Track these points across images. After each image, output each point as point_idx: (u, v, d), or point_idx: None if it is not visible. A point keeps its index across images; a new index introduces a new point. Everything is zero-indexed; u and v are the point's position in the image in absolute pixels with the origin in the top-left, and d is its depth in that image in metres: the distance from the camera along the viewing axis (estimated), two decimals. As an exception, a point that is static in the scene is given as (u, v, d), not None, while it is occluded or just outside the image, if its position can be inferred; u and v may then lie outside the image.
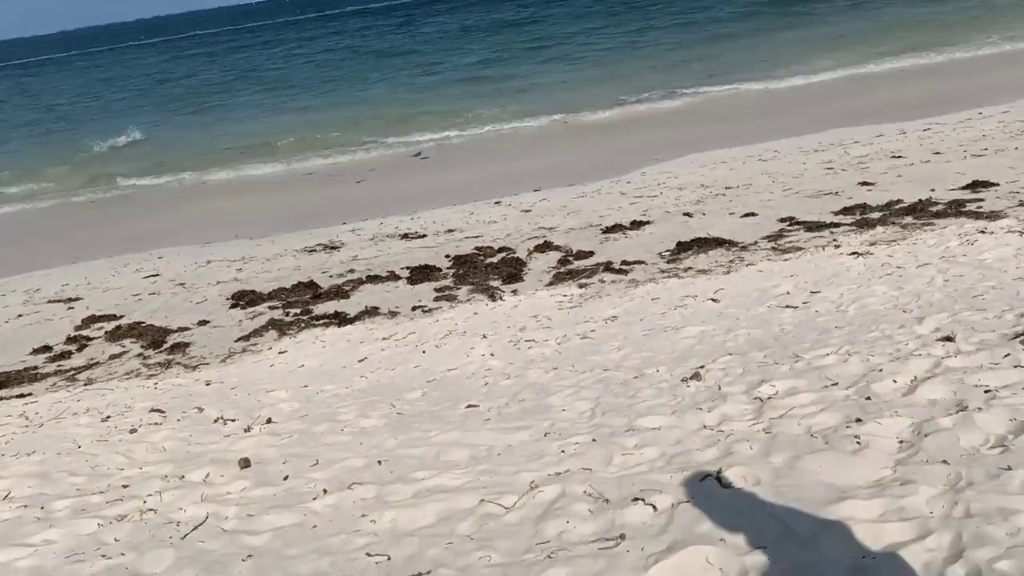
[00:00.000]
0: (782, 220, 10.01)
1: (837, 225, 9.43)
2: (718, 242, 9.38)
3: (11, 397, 7.05)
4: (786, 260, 8.29)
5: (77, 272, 12.58)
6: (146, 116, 34.35)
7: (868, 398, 4.20)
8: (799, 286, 7.17)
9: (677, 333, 6.35)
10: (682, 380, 5.14)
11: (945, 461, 3.30)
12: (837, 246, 8.52)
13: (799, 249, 8.68)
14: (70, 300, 10.68)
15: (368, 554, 3.42)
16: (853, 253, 7.99)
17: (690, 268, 8.59)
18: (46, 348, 8.63)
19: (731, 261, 8.65)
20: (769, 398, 4.57)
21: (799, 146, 14.73)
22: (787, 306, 6.59)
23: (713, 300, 7.20)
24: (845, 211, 9.97)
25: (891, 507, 3.06)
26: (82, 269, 12.80)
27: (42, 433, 5.74)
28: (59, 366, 8.04)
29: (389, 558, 3.38)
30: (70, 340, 8.83)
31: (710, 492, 3.59)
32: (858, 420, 3.93)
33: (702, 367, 5.33)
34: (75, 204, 20.57)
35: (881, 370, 4.51)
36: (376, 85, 34.26)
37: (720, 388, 4.87)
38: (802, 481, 3.54)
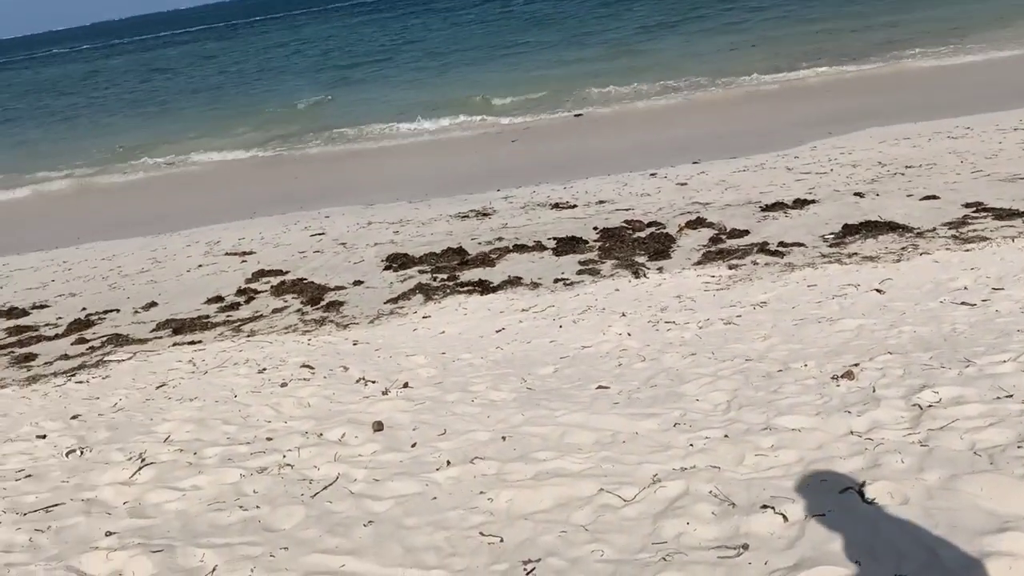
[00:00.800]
0: (967, 205, 9.02)
1: (1034, 213, 8.38)
2: (890, 226, 8.60)
3: (184, 344, 7.74)
4: (967, 251, 7.47)
5: (254, 227, 13.56)
6: (324, 79, 36.22)
7: (1050, 416, 3.72)
8: (979, 281, 6.44)
9: (832, 325, 5.89)
10: (832, 378, 4.77)
11: None
12: (1031, 237, 7.58)
13: (984, 239, 7.79)
14: (244, 254, 11.54)
15: (482, 533, 3.45)
16: (1051, 246, 7.08)
17: (855, 254, 7.94)
18: (219, 298, 9.39)
19: (903, 248, 7.91)
20: (930, 406, 4.15)
21: (996, 123, 13.18)
22: (963, 303, 5.94)
23: (878, 291, 6.62)
24: (1045, 197, 8.83)
25: (1062, 549, 2.68)
26: (258, 224, 13.78)
27: (205, 380, 6.26)
28: (228, 316, 8.72)
29: (502, 540, 3.38)
30: (240, 292, 9.55)
31: (850, 507, 3.31)
32: (1032, 440, 3.49)
33: (856, 365, 4.91)
34: (260, 160, 22.14)
35: (1069, 385, 3.97)
36: (533, 49, 34.09)
37: (875, 390, 4.48)
38: (958, 504, 3.18)
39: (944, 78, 19.15)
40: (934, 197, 9.48)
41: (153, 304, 9.59)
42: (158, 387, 6.26)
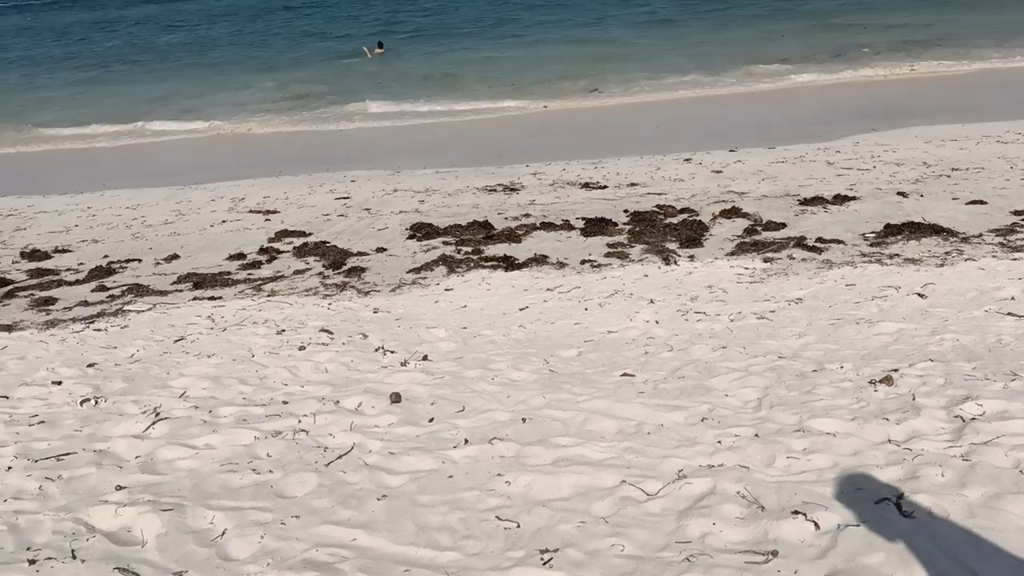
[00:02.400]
0: (1016, 213, 8.71)
1: (1086, 224, 8.07)
2: (934, 229, 8.32)
3: (204, 299, 7.66)
4: (1015, 259, 7.20)
5: (279, 186, 13.47)
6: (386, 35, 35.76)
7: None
8: (1027, 291, 6.20)
9: (871, 327, 5.69)
10: (870, 382, 4.59)
11: None
12: (1083, 249, 7.29)
13: (1033, 248, 7.51)
14: (269, 212, 11.45)
15: (498, 517, 3.32)
16: (1103, 260, 6.80)
17: (897, 255, 7.68)
18: (241, 256, 9.30)
19: (947, 253, 7.64)
20: (973, 419, 3.97)
21: (1049, 128, 12.76)
22: (1009, 313, 5.72)
23: (919, 295, 6.39)
24: (1098, 209, 8.50)
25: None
26: (284, 183, 13.69)
27: (223, 337, 6.17)
28: (249, 274, 8.63)
29: (518, 526, 3.26)
30: (262, 251, 9.46)
31: (886, 518, 3.15)
32: (1084, 462, 3.31)
33: (896, 371, 4.72)
34: (295, 118, 21.96)
35: (1123, 405, 3.77)
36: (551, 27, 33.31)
37: (914, 398, 4.30)
38: (1001, 524, 3.03)
39: (994, 80, 18.60)
40: (981, 202, 9.17)
41: (175, 256, 9.53)
42: (176, 341, 6.18)
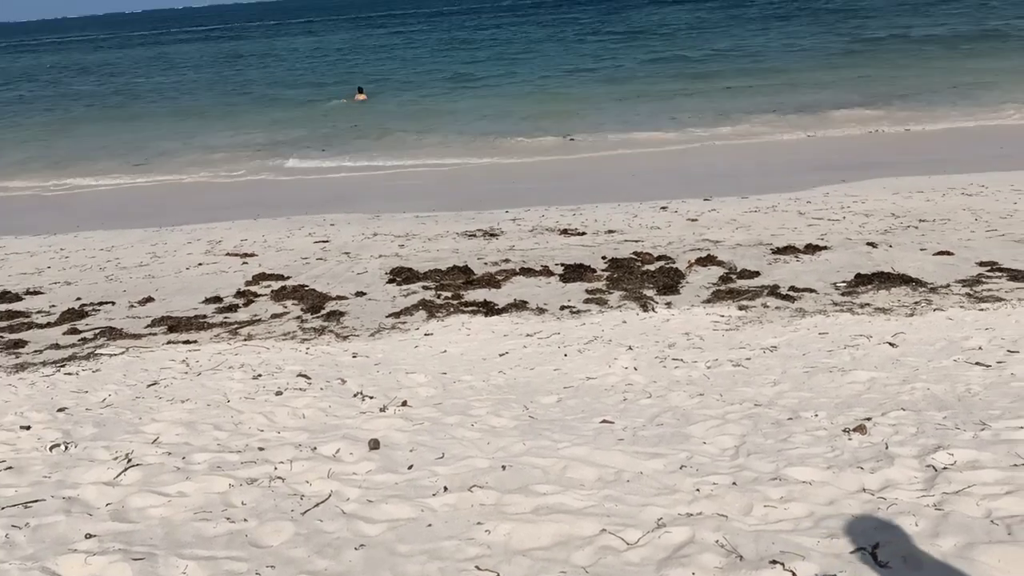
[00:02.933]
0: (982, 264, 8.94)
1: (1049, 277, 8.29)
2: (904, 279, 8.51)
3: (179, 343, 7.59)
4: (982, 310, 7.37)
5: (257, 229, 13.46)
6: (368, 80, 36.23)
7: (1070, 489, 3.59)
8: (994, 342, 6.33)
9: (844, 376, 5.77)
10: (844, 431, 4.64)
11: None
12: (1046, 301, 7.48)
13: (999, 300, 7.70)
14: (246, 255, 11.42)
15: (478, 567, 3.29)
16: (1066, 312, 6.97)
17: (868, 305, 7.83)
18: (217, 299, 9.24)
19: (916, 303, 7.81)
20: (945, 468, 4.02)
21: (1012, 183, 13.16)
22: (977, 363, 5.83)
23: (890, 344, 6.51)
24: (1060, 262, 8.75)
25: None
26: (262, 226, 13.68)
27: (198, 382, 6.10)
28: (225, 318, 8.57)
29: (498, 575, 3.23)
30: (239, 294, 9.41)
31: (862, 569, 3.17)
32: (1054, 514, 3.36)
33: (869, 419, 4.79)
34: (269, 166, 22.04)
35: (1090, 458, 3.85)
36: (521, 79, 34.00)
37: (887, 447, 4.35)
38: (974, 574, 3.05)
39: (958, 134, 19.21)
40: (948, 253, 9.41)
41: (150, 299, 9.45)
42: (149, 385, 6.10)
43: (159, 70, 48.05)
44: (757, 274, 9.10)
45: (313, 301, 8.93)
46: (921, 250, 9.72)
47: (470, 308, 8.41)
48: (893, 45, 34.84)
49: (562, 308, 8.29)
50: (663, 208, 13.27)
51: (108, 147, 25.41)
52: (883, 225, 11.16)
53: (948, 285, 8.31)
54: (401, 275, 9.78)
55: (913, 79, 26.47)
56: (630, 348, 6.77)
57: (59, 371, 6.67)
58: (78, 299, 9.59)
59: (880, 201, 12.74)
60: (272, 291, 9.44)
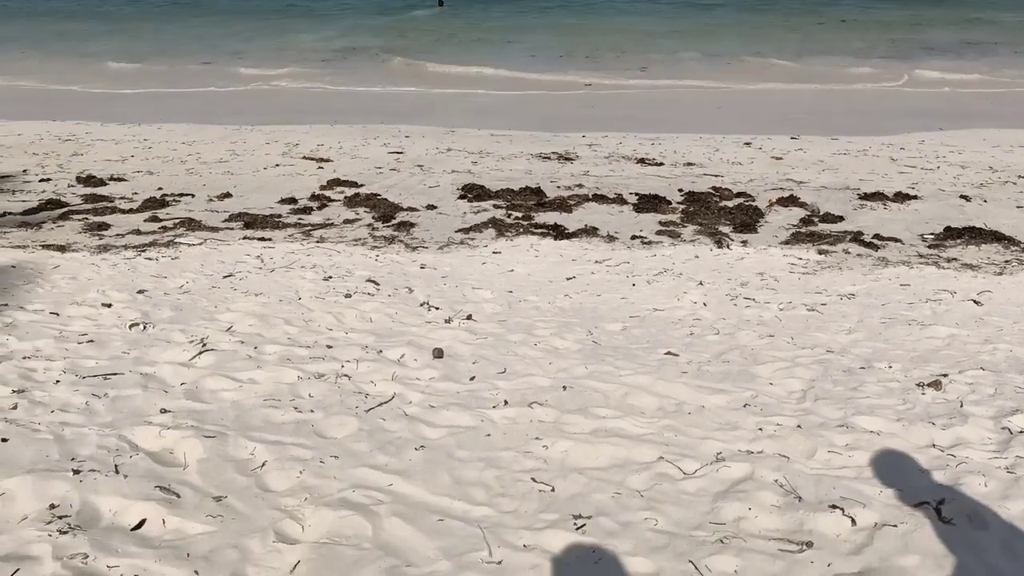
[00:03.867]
0: (1085, 227, 8.39)
1: None
2: (996, 236, 8.05)
3: (255, 239, 7.75)
4: (1080, 275, 6.95)
5: (334, 135, 13.53)
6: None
7: None
8: (1090, 309, 5.99)
9: (923, 330, 5.55)
10: (918, 385, 4.48)
11: None
12: None
13: (1100, 265, 7.23)
14: (322, 160, 11.51)
15: (534, 479, 3.33)
16: None
17: (955, 260, 7.46)
18: (292, 200, 9.37)
19: (1007, 261, 7.40)
20: (1021, 432, 3.86)
21: None
22: (1069, 329, 5.53)
23: (975, 302, 6.21)
24: None
25: None
26: (338, 132, 13.74)
27: (271, 278, 6.24)
28: (299, 219, 8.70)
29: (553, 489, 3.27)
30: (314, 197, 9.52)
31: (924, 522, 3.10)
32: None
33: (945, 375, 4.61)
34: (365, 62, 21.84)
35: None
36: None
37: (962, 405, 4.19)
38: (1042, 541, 2.95)
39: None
40: (1048, 213, 8.85)
41: (228, 195, 9.65)
42: (225, 276, 6.28)
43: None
44: (841, 219, 8.74)
45: (385, 210, 8.98)
46: (1018, 207, 9.17)
47: (540, 230, 8.33)
48: None
49: (633, 238, 8.15)
50: (747, 144, 12.79)
51: (188, 45, 25.62)
52: (979, 179, 10.54)
53: (1045, 247, 7.84)
54: (473, 192, 9.73)
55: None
56: (700, 283, 6.63)
57: (140, 255, 6.91)
58: (159, 189, 9.86)
59: (978, 153, 12.01)
60: (345, 197, 9.52)
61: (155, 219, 8.59)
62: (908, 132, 13.52)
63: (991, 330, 5.59)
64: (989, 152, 12.08)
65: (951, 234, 8.16)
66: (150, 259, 6.80)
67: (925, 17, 26.24)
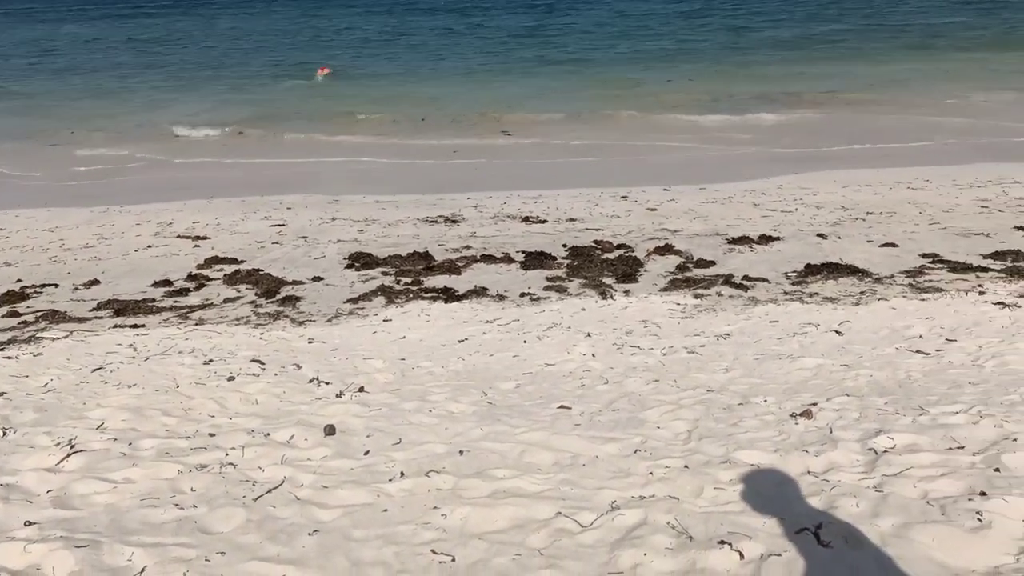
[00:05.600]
0: (924, 256, 9.23)
1: (985, 270, 8.59)
2: (851, 270, 8.73)
3: (126, 326, 7.41)
4: (923, 300, 7.61)
5: (211, 211, 13.20)
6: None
7: (997, 469, 3.73)
8: (934, 331, 6.55)
9: (792, 362, 5.90)
10: (791, 415, 4.75)
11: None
12: (982, 292, 7.75)
13: (939, 290, 7.95)
14: (198, 238, 11.19)
15: (434, 551, 3.29)
16: (999, 303, 7.24)
17: (816, 294, 8.03)
18: (167, 282, 9.04)
19: (862, 292, 8.02)
20: (885, 451, 4.15)
21: (953, 178, 13.60)
22: (918, 351, 6.02)
23: (837, 332, 6.68)
24: (996, 256, 9.11)
25: (1015, 607, 2.66)
26: (215, 208, 13.42)
27: (146, 367, 5.96)
28: (175, 302, 8.39)
29: (454, 559, 3.24)
30: (190, 278, 9.22)
31: (805, 548, 3.26)
32: (983, 494, 3.49)
33: (815, 404, 4.91)
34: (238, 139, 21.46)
35: (1016, 439, 4.02)
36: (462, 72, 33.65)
37: (832, 431, 4.47)
38: (911, 553, 3.16)
39: (908, 126, 19.69)
40: (893, 245, 9.68)
41: (95, 282, 9.20)
42: (94, 370, 5.95)
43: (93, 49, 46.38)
44: (713, 263, 9.25)
45: (268, 285, 8.80)
46: (868, 241, 9.99)
47: (430, 294, 8.38)
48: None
49: (522, 295, 8.32)
50: (623, 197, 13.38)
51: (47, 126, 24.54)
52: (833, 217, 11.44)
53: (892, 276, 8.56)
54: (360, 260, 9.69)
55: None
56: (588, 335, 6.83)
57: None
58: (19, 281, 9.29)
59: (831, 194, 13.06)
60: (225, 275, 9.28)
61: (14, 314, 8.08)
62: (766, 177, 14.51)
63: (852, 357, 6.01)
64: (840, 192, 13.14)
65: (811, 270, 8.78)
66: (9, 358, 6.36)
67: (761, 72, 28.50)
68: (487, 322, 7.40)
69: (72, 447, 4.32)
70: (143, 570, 3.13)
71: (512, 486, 3.86)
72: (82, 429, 4.62)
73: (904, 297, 7.76)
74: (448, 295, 8.27)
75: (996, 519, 3.23)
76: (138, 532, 3.43)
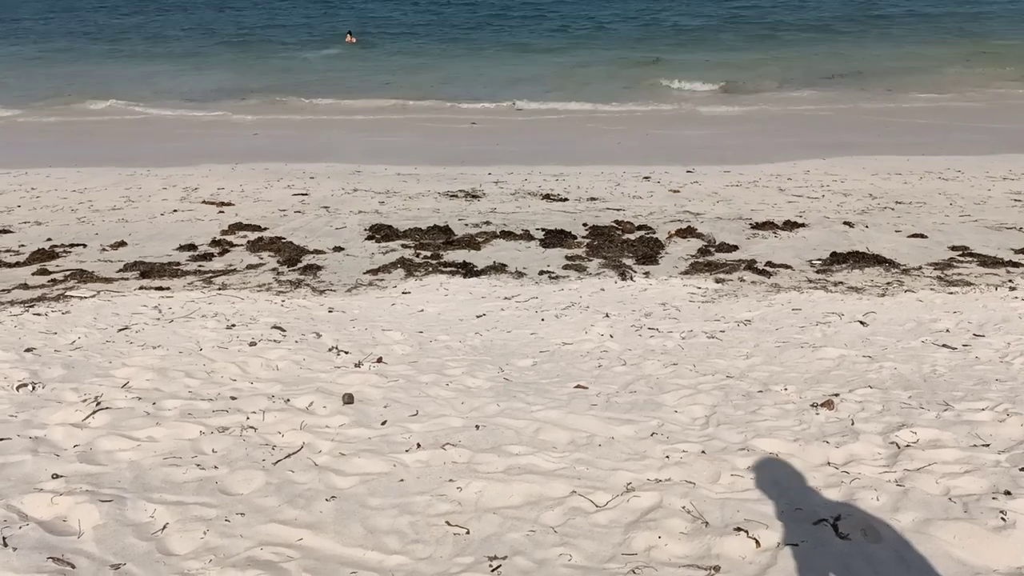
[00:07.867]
0: (954, 248, 9.07)
1: (1016, 265, 8.44)
2: (877, 260, 8.61)
3: (151, 288, 7.48)
4: (951, 293, 7.50)
5: (235, 178, 13.25)
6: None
7: (1022, 469, 3.68)
8: (961, 325, 6.45)
9: (814, 352, 5.85)
10: (812, 405, 4.72)
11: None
12: (1012, 288, 7.61)
13: (968, 284, 7.83)
14: (223, 204, 11.25)
15: (448, 523, 3.32)
16: (1032, 299, 7.12)
17: (841, 283, 7.93)
18: (192, 246, 9.11)
19: (888, 283, 7.92)
20: (907, 446, 4.11)
21: (986, 170, 13.32)
22: (944, 345, 5.94)
23: (861, 323, 6.60)
24: (1029, 251, 8.93)
25: (1037, 609, 2.64)
26: (240, 175, 13.47)
27: (170, 329, 6.03)
28: (199, 266, 8.46)
29: (468, 532, 3.26)
30: (215, 243, 9.29)
31: (823, 539, 3.25)
32: (1007, 493, 3.46)
33: (837, 395, 4.87)
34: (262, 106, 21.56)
35: (1045, 440, 3.96)
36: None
37: (853, 423, 4.43)
38: (931, 550, 3.14)
39: (936, 115, 19.32)
40: (922, 236, 9.53)
41: (122, 244, 9.29)
42: (120, 330, 6.02)
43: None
44: (736, 248, 9.16)
45: (290, 254, 8.84)
46: (896, 232, 9.84)
47: (449, 269, 8.38)
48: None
49: (541, 273, 8.30)
50: (646, 178, 13.27)
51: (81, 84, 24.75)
52: (860, 205, 11.27)
53: (920, 267, 8.43)
54: (380, 232, 9.70)
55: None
56: (607, 315, 6.80)
57: (27, 311, 6.55)
58: (48, 240, 9.41)
59: (859, 181, 12.85)
60: (248, 241, 9.33)
61: (44, 272, 8.18)
62: (793, 161, 14.31)
63: (877, 349, 5.94)
64: (868, 180, 12.92)
65: (837, 259, 8.67)
66: (38, 315, 6.46)
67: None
68: (505, 298, 7.40)
69: (98, 404, 4.39)
70: (164, 527, 3.19)
71: (527, 462, 3.87)
72: (108, 387, 4.70)
73: (932, 290, 7.65)
74: (467, 270, 8.27)
75: (1020, 519, 3.21)
76: (160, 490, 3.49)
